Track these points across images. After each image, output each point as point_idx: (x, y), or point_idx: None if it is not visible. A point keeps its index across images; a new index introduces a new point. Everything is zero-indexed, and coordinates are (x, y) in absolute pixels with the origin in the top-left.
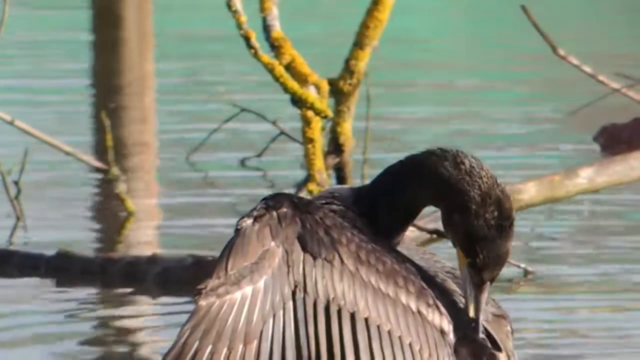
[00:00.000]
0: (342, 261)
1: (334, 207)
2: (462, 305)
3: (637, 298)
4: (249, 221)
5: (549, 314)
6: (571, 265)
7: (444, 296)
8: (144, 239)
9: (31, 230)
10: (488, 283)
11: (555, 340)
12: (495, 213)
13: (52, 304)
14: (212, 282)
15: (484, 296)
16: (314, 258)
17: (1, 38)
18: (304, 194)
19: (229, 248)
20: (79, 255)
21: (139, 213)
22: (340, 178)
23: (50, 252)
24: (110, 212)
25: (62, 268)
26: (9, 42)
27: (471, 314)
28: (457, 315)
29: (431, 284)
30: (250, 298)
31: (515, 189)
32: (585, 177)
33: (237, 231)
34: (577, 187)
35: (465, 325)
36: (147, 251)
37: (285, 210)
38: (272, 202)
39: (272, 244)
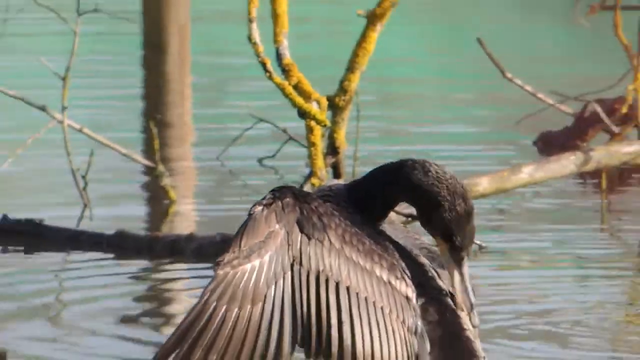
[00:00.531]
0: (330, 241)
1: (331, 199)
2: (430, 274)
3: (564, 264)
4: (259, 208)
5: (498, 279)
6: (517, 240)
7: (416, 267)
8: (183, 221)
9: (95, 215)
10: (466, 257)
11: (500, 297)
12: (462, 204)
13: (112, 271)
14: (228, 256)
15: (466, 268)
16: (309, 238)
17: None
18: (308, 186)
19: (243, 229)
20: (132, 234)
21: (179, 200)
22: (336, 174)
23: (110, 231)
24: (156, 200)
25: (119, 244)
26: (78, 60)
27: (457, 284)
28: (427, 282)
29: (405, 257)
30: (258, 269)
31: (472, 182)
32: (527, 172)
33: (250, 216)
34: (521, 181)
35: (433, 290)
36: (185, 231)
37: (288, 200)
38: (278, 193)
39: (277, 226)
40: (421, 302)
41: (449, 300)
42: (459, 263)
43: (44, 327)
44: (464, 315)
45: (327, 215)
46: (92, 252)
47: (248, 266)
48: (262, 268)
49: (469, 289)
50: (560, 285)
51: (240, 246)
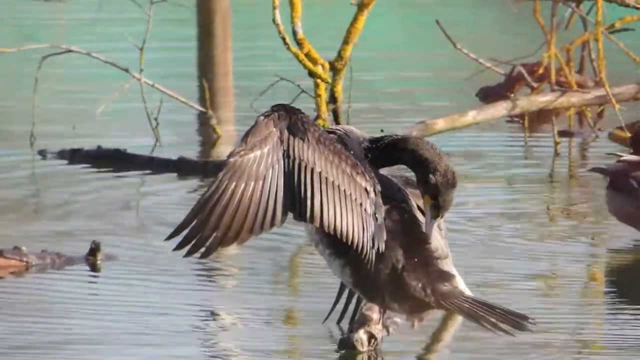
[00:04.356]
0: (309, 140)
1: (338, 132)
2: (400, 192)
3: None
4: (262, 117)
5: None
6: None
7: (389, 185)
8: (226, 150)
9: (164, 146)
10: (441, 216)
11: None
12: (452, 178)
13: (175, 186)
14: (237, 149)
15: (439, 222)
16: (294, 137)
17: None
18: None
19: (249, 131)
20: (189, 159)
21: (223, 135)
22: (335, 117)
23: (174, 157)
24: (207, 135)
25: (181, 167)
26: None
27: (427, 229)
28: (394, 195)
29: (381, 177)
30: (259, 158)
31: (432, 122)
32: (471, 115)
33: (255, 122)
34: (467, 121)
35: (398, 200)
36: None
37: (282, 112)
38: (276, 107)
39: (274, 129)
40: (387, 207)
41: (411, 208)
42: (434, 218)
43: (130, 221)
44: (422, 220)
45: (309, 124)
46: (161, 172)
47: (252, 155)
48: (262, 157)
49: (432, 233)
50: (488, 189)
51: (246, 142)
